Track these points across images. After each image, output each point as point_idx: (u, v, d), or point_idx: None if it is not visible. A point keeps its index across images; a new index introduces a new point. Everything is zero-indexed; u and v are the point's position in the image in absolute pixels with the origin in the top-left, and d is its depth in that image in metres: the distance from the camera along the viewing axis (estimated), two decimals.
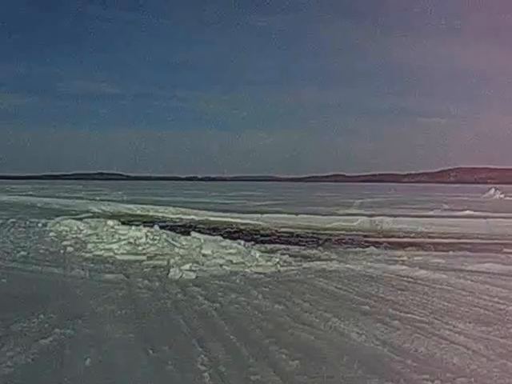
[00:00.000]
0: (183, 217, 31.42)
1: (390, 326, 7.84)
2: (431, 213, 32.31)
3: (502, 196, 64.00)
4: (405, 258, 14.77)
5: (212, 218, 30.25)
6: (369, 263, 13.59)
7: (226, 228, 25.41)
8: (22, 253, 14.51)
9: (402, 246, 18.75)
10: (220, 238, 16.23)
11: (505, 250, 17.21)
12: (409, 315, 8.48)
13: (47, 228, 20.91)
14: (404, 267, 12.96)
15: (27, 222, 23.85)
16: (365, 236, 22.45)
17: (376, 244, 18.76)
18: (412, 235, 23.11)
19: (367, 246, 17.91)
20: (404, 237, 22.49)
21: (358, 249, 17.53)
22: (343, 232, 24.21)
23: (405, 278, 11.73)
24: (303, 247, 17.85)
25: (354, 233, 23.93)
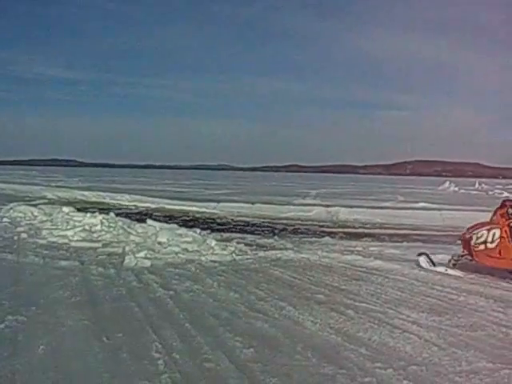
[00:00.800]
0: (139, 204, 31.27)
1: (344, 315, 7.92)
2: (387, 204, 32.68)
3: (456, 189, 65.04)
4: (360, 249, 14.89)
5: (168, 206, 30.15)
6: (324, 253, 13.67)
7: (181, 216, 25.35)
8: None
9: (358, 236, 18.92)
10: (176, 226, 16.14)
11: (458, 241, 17.43)
12: (363, 305, 8.57)
13: (0, 214, 20.59)
14: (359, 257, 13.07)
15: None
16: (320, 226, 22.59)
17: (331, 234, 18.92)
18: (367, 226, 23.31)
19: (323, 236, 18.05)
20: (359, 227, 22.68)
21: (313, 239, 17.65)
22: (299, 222, 24.35)
23: (359, 268, 11.84)
24: (259, 236, 17.91)
25: (310, 223, 24.07)
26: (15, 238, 14.72)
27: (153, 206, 30.57)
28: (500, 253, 11.65)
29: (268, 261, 12.53)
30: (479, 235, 11.91)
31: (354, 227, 22.79)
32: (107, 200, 33.12)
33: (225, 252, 13.13)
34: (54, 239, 14.39)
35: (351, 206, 28.96)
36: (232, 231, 19.34)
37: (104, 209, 24.57)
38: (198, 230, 16.16)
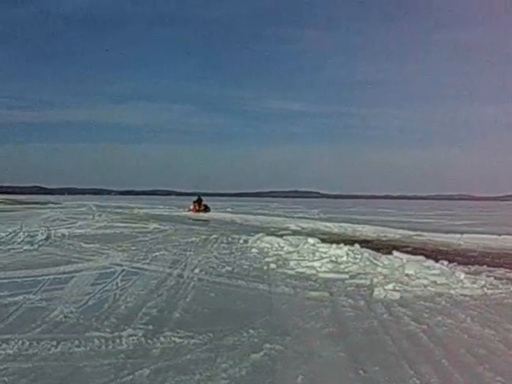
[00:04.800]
0: (381, 235, 31.00)
1: None
2: None
3: None
4: None
5: (411, 238, 29.66)
6: None
7: (425, 248, 24.83)
8: (227, 268, 15.05)
9: None
10: (423, 257, 15.89)
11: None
12: None
13: (248, 244, 21.47)
14: None
15: (229, 238, 24.60)
16: None
17: None
18: None
19: None
20: None
21: None
22: None
23: None
24: (508, 270, 17.10)
25: None
26: (264, 268, 15.29)
27: (396, 237, 30.18)
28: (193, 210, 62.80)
29: None
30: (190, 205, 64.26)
31: None
32: (349, 231, 33.26)
33: (475, 285, 12.69)
34: (302, 270, 14.75)
35: None
36: (479, 264, 18.63)
37: (347, 240, 24.74)
38: (446, 262, 15.79)
